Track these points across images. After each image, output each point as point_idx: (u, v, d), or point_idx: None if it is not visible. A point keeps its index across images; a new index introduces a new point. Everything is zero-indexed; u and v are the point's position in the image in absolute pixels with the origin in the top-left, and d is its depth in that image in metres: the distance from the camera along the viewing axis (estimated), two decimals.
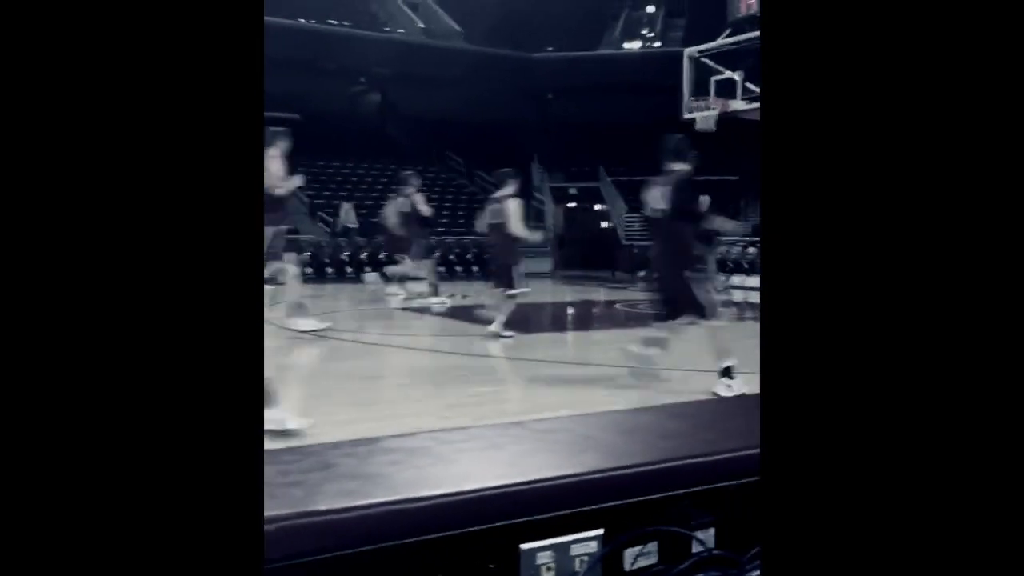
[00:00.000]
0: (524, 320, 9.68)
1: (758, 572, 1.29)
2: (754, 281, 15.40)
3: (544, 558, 1.22)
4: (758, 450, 1.43)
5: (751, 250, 16.88)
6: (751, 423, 1.63)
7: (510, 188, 6.76)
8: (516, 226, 6.52)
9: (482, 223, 7.11)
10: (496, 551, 1.21)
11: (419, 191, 8.86)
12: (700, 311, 4.03)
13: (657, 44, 24.06)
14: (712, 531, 1.33)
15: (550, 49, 23.89)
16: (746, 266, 15.59)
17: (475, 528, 1.19)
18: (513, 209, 6.64)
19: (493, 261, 7.52)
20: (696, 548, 1.30)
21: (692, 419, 1.63)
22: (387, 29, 22.92)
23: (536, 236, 7.34)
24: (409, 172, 9.27)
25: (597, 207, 22.19)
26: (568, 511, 1.26)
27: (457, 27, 23.62)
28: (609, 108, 22.84)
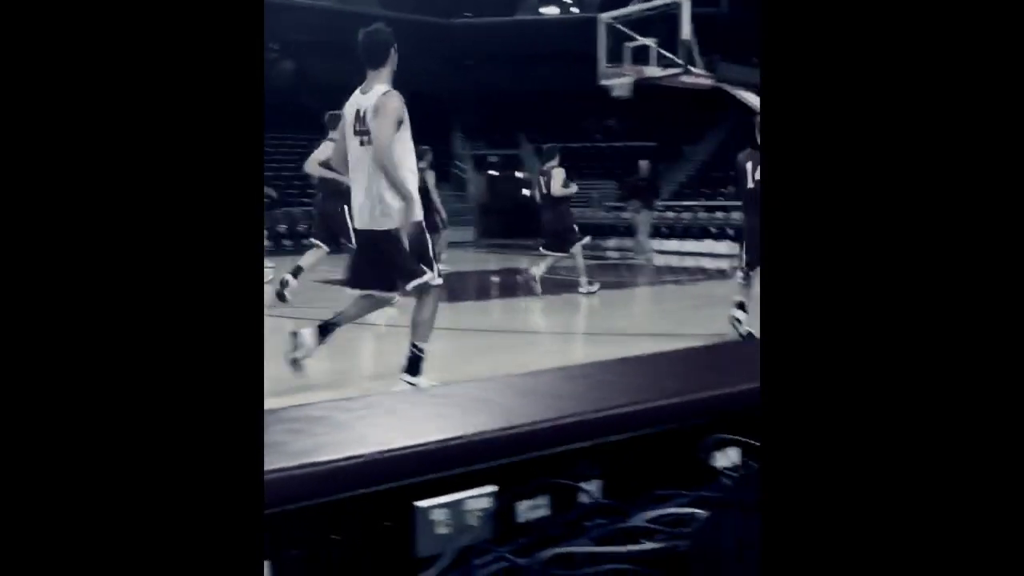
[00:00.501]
0: (448, 290, 9.72)
1: (644, 516, 1.38)
2: (677, 245, 15.79)
3: (439, 515, 1.28)
4: (642, 406, 1.53)
5: (685, 215, 17.25)
6: (636, 381, 1.73)
7: (556, 159, 8.57)
8: (559, 189, 8.18)
9: (535, 192, 8.52)
10: (391, 511, 1.26)
11: None
12: None
13: (575, 10, 24.06)
14: (599, 483, 1.42)
15: (468, 15, 23.67)
16: (667, 231, 15.93)
17: (370, 490, 1.25)
18: (559, 176, 8.30)
19: (550, 226, 8.56)
20: (583, 499, 1.38)
21: (585, 380, 1.71)
22: None
23: (573, 188, 8.75)
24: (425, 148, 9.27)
25: (519, 174, 22.27)
26: (462, 470, 1.32)
27: None
28: (529, 75, 22.85)
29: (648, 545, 1.29)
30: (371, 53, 3.87)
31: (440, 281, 3.71)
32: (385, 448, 1.29)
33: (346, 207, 7.03)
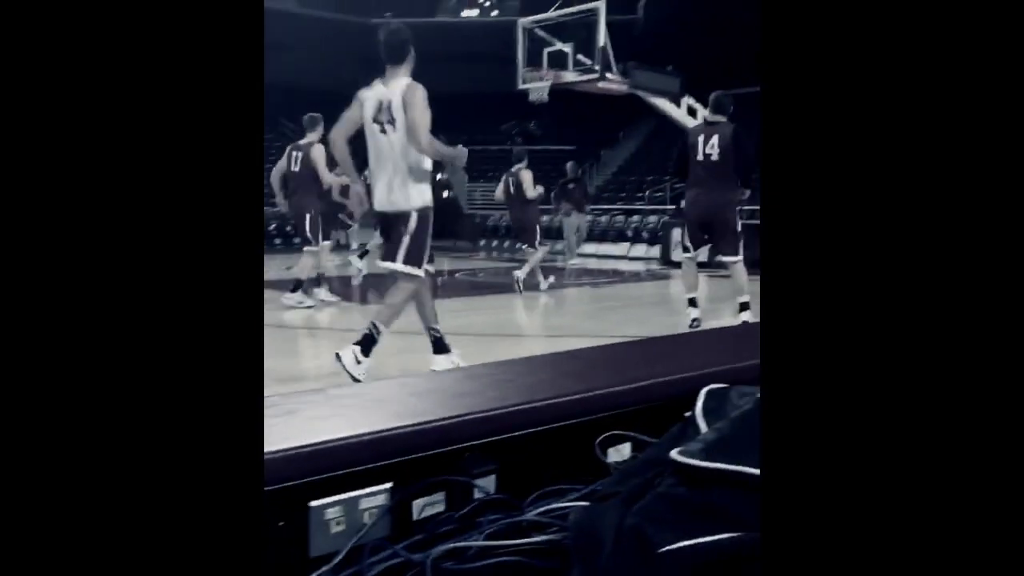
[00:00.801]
0: (369, 290, 9.67)
1: (536, 510, 1.42)
2: (595, 248, 16.04)
3: (333, 513, 1.30)
4: (538, 403, 1.57)
5: (602, 219, 17.49)
6: (534, 379, 1.77)
7: (524, 162, 9.07)
8: (531, 191, 8.56)
9: (499, 193, 9.11)
10: (286, 510, 1.27)
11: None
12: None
13: (494, 13, 24.20)
14: (493, 478, 1.45)
15: (388, 15, 23.51)
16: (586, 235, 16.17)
17: (265, 489, 1.25)
18: (527, 178, 8.72)
19: (517, 224, 9.09)
20: (478, 495, 1.42)
21: (485, 378, 1.75)
22: None
23: (540, 190, 9.28)
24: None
25: (438, 176, 22.25)
26: (357, 468, 1.34)
27: None
28: (448, 77, 22.83)
29: (539, 538, 1.34)
30: (392, 50, 4.22)
31: (421, 273, 3.96)
32: (280, 448, 1.30)
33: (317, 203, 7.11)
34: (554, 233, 15.74)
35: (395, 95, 4.04)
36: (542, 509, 1.42)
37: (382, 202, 4.15)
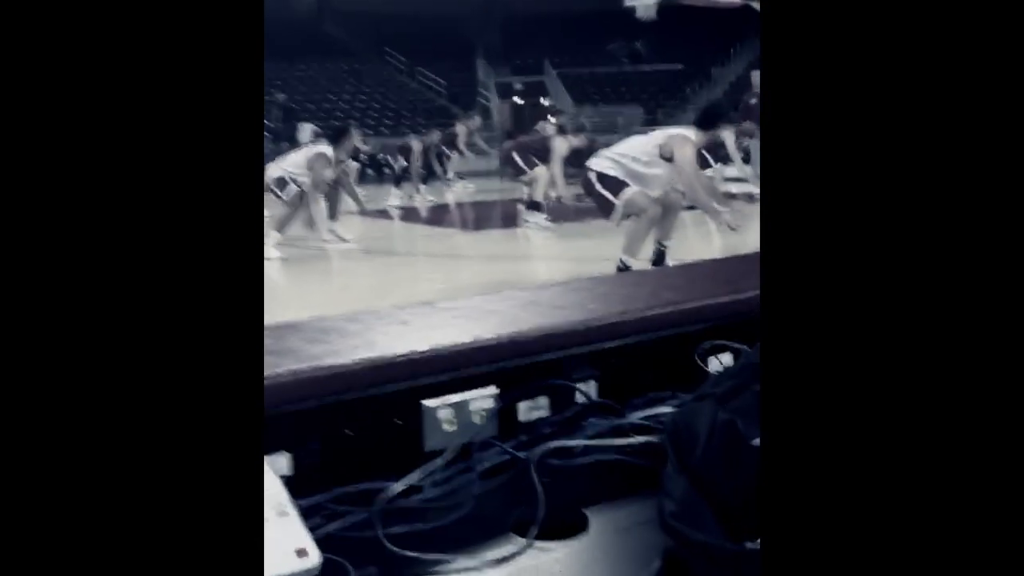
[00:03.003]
0: (477, 217, 9.80)
1: (638, 415, 1.48)
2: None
3: (445, 413, 1.39)
4: (637, 315, 1.62)
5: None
6: (633, 291, 1.81)
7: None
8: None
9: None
10: (401, 409, 1.37)
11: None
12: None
13: None
14: (594, 383, 1.52)
15: None
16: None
17: (381, 391, 1.36)
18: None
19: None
20: (580, 399, 1.49)
21: (586, 292, 1.80)
22: None
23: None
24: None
25: (544, 101, 21.99)
26: (466, 372, 1.43)
27: None
28: None
29: (638, 439, 1.40)
30: (704, 119, 4.51)
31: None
32: (394, 353, 1.40)
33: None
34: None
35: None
36: (643, 414, 1.48)
37: None
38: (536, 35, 21.98)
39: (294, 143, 13.68)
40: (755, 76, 11.54)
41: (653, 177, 4.27)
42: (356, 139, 7.67)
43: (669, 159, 4.16)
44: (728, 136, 9.44)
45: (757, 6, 12.24)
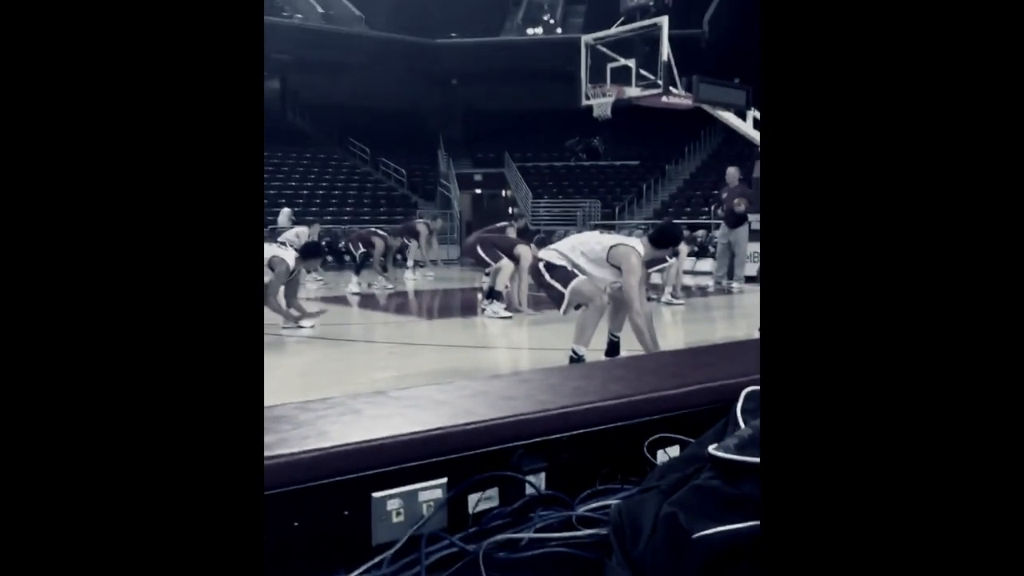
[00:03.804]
0: (435, 306, 9.84)
1: (587, 507, 1.49)
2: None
3: (393, 504, 1.39)
4: (584, 406, 1.64)
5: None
6: (582, 384, 1.84)
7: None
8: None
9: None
10: (350, 500, 1.37)
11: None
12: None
13: (558, 31, 24.34)
14: (543, 475, 1.53)
15: (453, 35, 23.89)
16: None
17: (329, 480, 1.35)
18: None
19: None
20: (529, 491, 1.50)
21: (533, 383, 1.83)
22: (285, 14, 22.49)
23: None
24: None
25: (503, 193, 22.43)
26: (415, 463, 1.43)
27: (357, 12, 23.36)
28: (512, 94, 23.09)
29: (586, 531, 1.41)
30: (660, 237, 4.51)
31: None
32: (344, 442, 1.40)
33: None
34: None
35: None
36: (592, 506, 1.49)
37: None
38: (497, 129, 22.60)
39: (272, 228, 13.80)
40: (731, 171, 12.00)
41: (599, 278, 4.35)
42: (284, 219, 7.76)
43: (617, 267, 4.25)
44: (682, 250, 9.70)
45: (708, 108, 12.77)
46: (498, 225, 9.66)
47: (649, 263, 4.72)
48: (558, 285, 4.29)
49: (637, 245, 4.34)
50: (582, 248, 4.43)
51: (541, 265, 4.43)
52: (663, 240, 4.46)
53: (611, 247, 4.28)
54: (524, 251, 8.01)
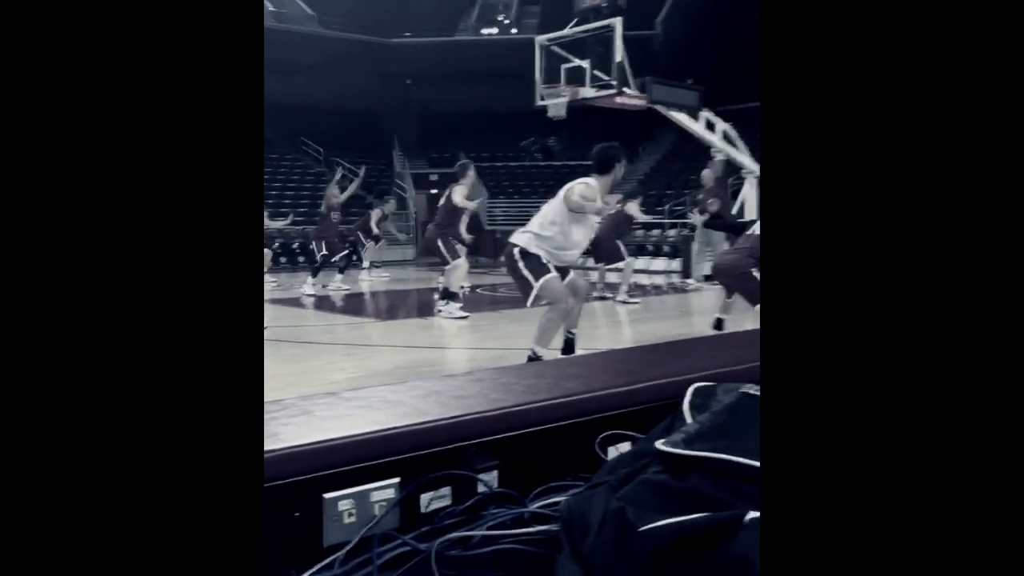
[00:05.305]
0: (391, 307, 9.80)
1: (538, 504, 1.51)
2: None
3: (345, 505, 1.39)
4: (535, 404, 1.65)
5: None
6: (532, 383, 1.86)
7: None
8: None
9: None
10: (301, 501, 1.36)
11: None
12: None
13: (513, 31, 24.36)
14: (496, 473, 1.54)
15: (408, 35, 23.75)
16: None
17: (281, 482, 1.35)
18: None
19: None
20: (481, 488, 1.51)
21: (485, 382, 1.84)
22: None
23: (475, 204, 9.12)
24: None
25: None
26: (367, 463, 1.43)
27: (310, 11, 23.09)
28: (468, 94, 23.05)
29: (538, 528, 1.42)
30: (599, 163, 4.41)
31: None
32: (296, 444, 1.40)
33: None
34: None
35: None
36: (543, 503, 1.50)
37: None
38: (453, 129, 22.56)
39: None
40: (706, 174, 12.20)
41: (576, 240, 4.33)
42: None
43: (579, 211, 4.24)
44: (633, 207, 9.83)
45: (661, 109, 12.92)
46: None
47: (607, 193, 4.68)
48: (530, 277, 4.26)
49: (586, 179, 4.38)
50: (550, 216, 4.40)
51: (516, 251, 4.37)
52: (603, 164, 4.47)
53: (564, 195, 4.29)
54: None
